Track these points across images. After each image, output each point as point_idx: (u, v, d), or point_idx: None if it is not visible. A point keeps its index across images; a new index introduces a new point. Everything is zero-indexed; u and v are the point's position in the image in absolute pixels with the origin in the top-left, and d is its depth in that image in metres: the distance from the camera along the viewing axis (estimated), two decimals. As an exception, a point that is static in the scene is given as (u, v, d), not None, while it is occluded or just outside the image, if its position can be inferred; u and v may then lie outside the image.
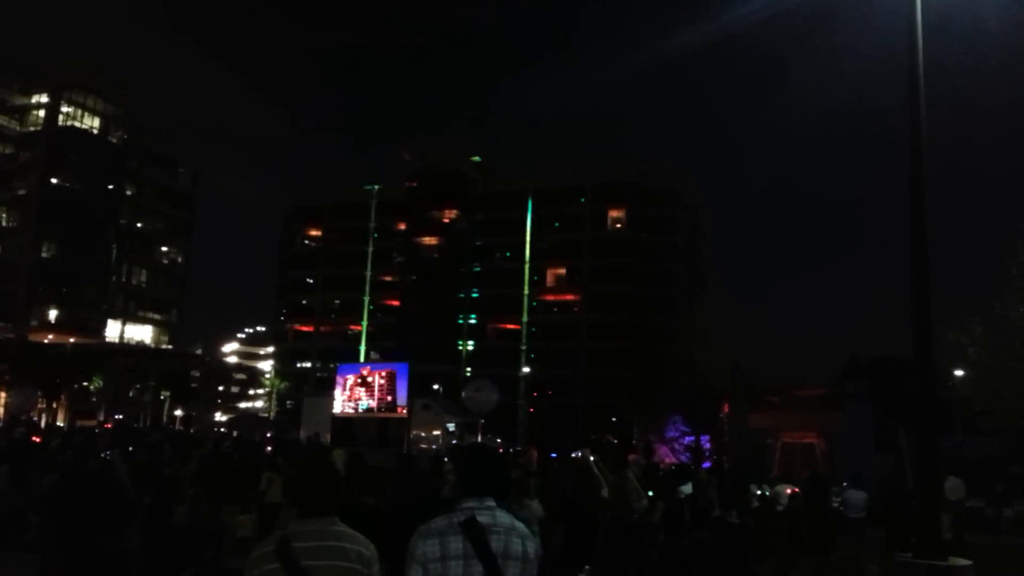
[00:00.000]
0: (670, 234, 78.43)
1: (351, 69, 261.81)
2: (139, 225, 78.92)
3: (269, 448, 22.02)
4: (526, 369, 70.24)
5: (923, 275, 7.72)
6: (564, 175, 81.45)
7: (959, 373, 28.12)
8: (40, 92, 73.73)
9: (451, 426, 37.45)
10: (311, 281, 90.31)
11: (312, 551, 3.30)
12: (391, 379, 33.83)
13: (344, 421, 33.59)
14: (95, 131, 74.63)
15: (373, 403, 33.63)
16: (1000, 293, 21.15)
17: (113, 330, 74.92)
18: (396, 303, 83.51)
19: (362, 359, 70.65)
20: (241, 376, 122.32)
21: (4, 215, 72.77)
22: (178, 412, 63.16)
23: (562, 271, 79.24)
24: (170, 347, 77.73)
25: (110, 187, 74.01)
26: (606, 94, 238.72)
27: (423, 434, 35.90)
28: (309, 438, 29.47)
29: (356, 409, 33.81)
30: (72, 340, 60.98)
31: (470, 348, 76.99)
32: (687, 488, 10.88)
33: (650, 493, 9.63)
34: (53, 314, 69.53)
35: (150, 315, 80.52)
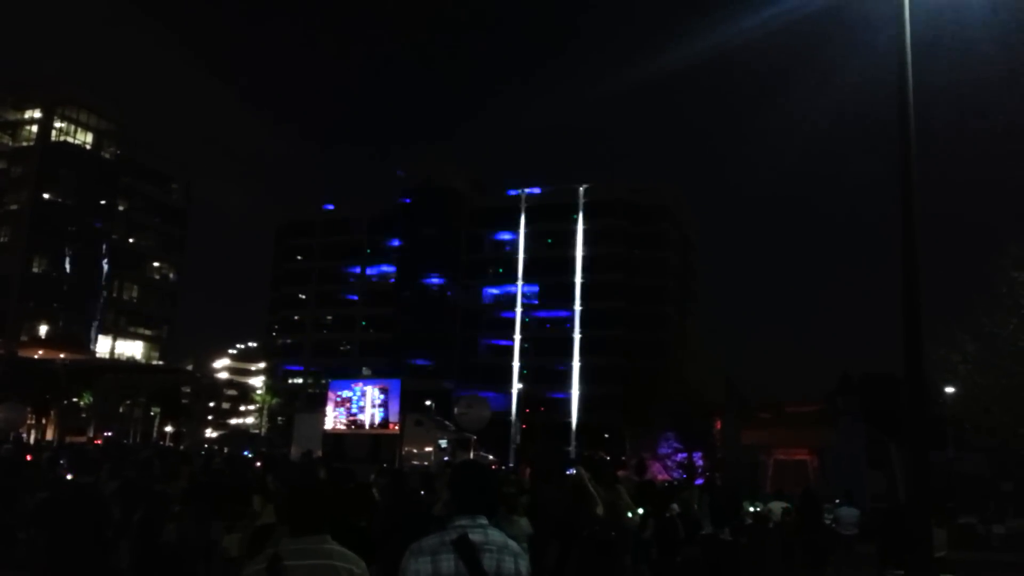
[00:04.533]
0: (661, 250, 78.61)
1: (344, 85, 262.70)
2: (131, 240, 78.67)
3: (259, 463, 21.80)
4: (519, 385, 70.12)
5: (914, 292, 7.76)
6: (556, 191, 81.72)
7: (950, 390, 28.14)
8: (33, 107, 73.66)
9: (443, 442, 37.25)
10: (303, 296, 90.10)
11: (303, 569, 3.29)
12: (383, 395, 33.64)
13: (335, 437, 33.31)
14: (88, 146, 74.58)
15: (365, 419, 33.42)
16: (990, 310, 21.21)
17: (104, 346, 74.47)
18: (388, 319, 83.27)
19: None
20: (232, 392, 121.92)
21: (-5, 230, 72.50)
22: (168, 428, 62.81)
23: (554, 287, 79.16)
24: (161, 363, 77.41)
25: (102, 202, 73.87)
26: (599, 110, 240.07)
27: (415, 451, 35.69)
28: (303, 455, 29.18)
29: (348, 425, 33.60)
30: (62, 356, 60.54)
31: (463, 364, 76.80)
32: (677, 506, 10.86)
33: (640, 511, 9.61)
34: (43, 329, 69.15)
35: (141, 331, 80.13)
